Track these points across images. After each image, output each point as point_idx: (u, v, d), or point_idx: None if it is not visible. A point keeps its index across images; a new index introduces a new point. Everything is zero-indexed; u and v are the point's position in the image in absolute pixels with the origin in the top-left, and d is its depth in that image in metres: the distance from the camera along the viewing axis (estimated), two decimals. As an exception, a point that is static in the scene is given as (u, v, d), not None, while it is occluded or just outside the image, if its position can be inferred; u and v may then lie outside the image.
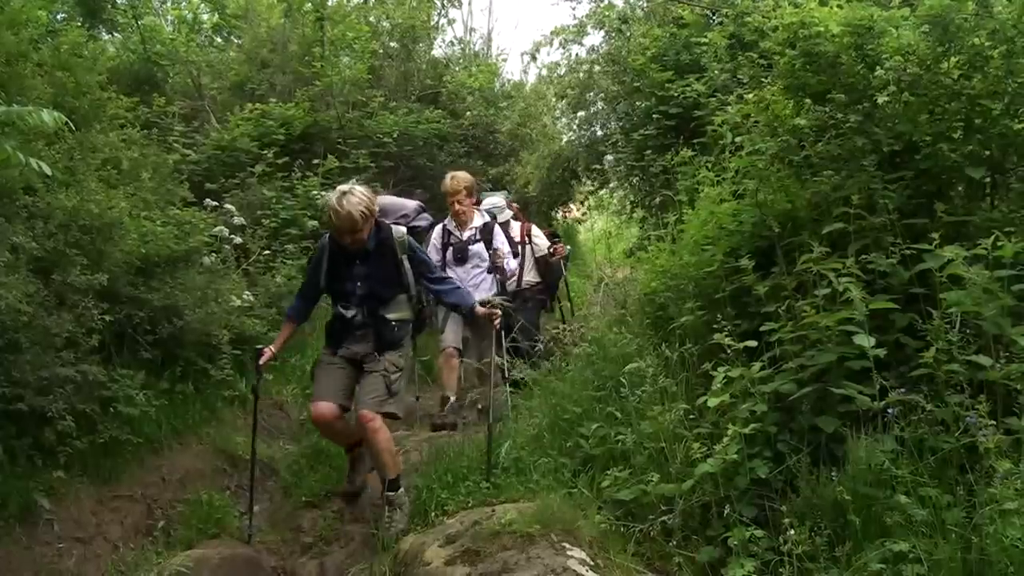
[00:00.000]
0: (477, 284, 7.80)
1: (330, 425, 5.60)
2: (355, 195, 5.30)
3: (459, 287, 6.06)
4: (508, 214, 8.65)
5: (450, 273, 7.56)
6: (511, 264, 8.13)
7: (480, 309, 5.80)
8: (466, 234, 7.91)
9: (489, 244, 7.93)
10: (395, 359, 5.56)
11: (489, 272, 7.89)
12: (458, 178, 7.92)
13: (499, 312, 5.87)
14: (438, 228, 7.87)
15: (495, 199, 8.77)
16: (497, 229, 8.08)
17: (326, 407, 5.50)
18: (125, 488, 5.92)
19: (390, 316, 5.61)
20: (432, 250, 7.70)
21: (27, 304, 5.28)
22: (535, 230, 8.83)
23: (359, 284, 5.56)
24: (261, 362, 5.67)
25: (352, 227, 5.30)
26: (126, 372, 6.10)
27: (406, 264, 5.63)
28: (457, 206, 7.82)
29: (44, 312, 5.50)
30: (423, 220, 7.37)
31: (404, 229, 5.77)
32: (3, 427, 5.23)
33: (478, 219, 8.00)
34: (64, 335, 5.55)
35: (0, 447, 5.14)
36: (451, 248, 7.86)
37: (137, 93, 10.31)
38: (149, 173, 7.76)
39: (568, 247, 9.30)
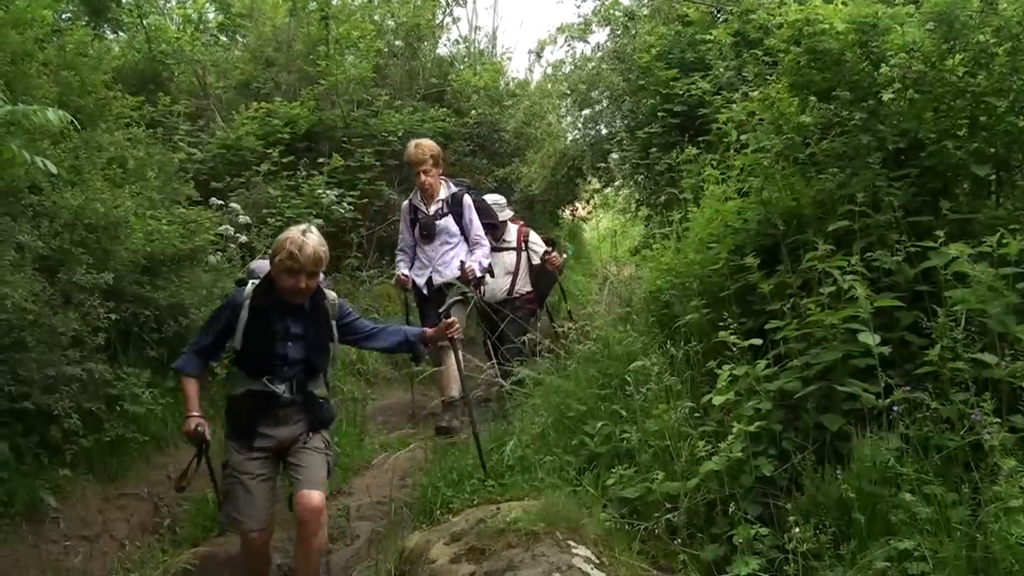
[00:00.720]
0: (447, 262, 7.29)
1: (263, 554, 4.63)
2: (316, 234, 4.45)
3: (394, 328, 5.15)
4: (508, 213, 8.45)
5: (419, 253, 7.36)
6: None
7: (431, 331, 5.13)
8: (432, 208, 7.26)
9: (459, 218, 7.31)
10: (327, 437, 4.73)
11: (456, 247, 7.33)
12: (423, 146, 7.21)
13: (456, 324, 5.22)
14: (405, 204, 7.44)
15: (497, 196, 8.51)
16: (468, 203, 7.36)
17: (260, 537, 4.49)
18: (131, 486, 5.96)
19: (318, 393, 4.64)
20: (404, 230, 7.42)
21: (33, 303, 5.32)
22: (533, 235, 8.59)
23: (290, 346, 4.49)
24: (207, 437, 4.55)
25: (315, 269, 4.39)
26: (132, 370, 6.14)
27: (334, 330, 4.72)
28: (423, 177, 7.16)
29: (50, 311, 5.53)
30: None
31: (333, 293, 4.86)
32: (9, 425, 5.26)
33: (444, 191, 7.31)
34: (70, 333, 5.59)
35: (6, 445, 5.17)
36: (417, 224, 7.27)
37: (142, 92, 10.35)
38: (154, 172, 7.79)
39: (565, 254, 9.42)
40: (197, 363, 4.61)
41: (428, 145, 7.22)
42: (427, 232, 7.28)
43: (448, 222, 7.28)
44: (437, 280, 7.26)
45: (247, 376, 4.49)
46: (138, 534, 5.66)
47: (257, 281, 4.53)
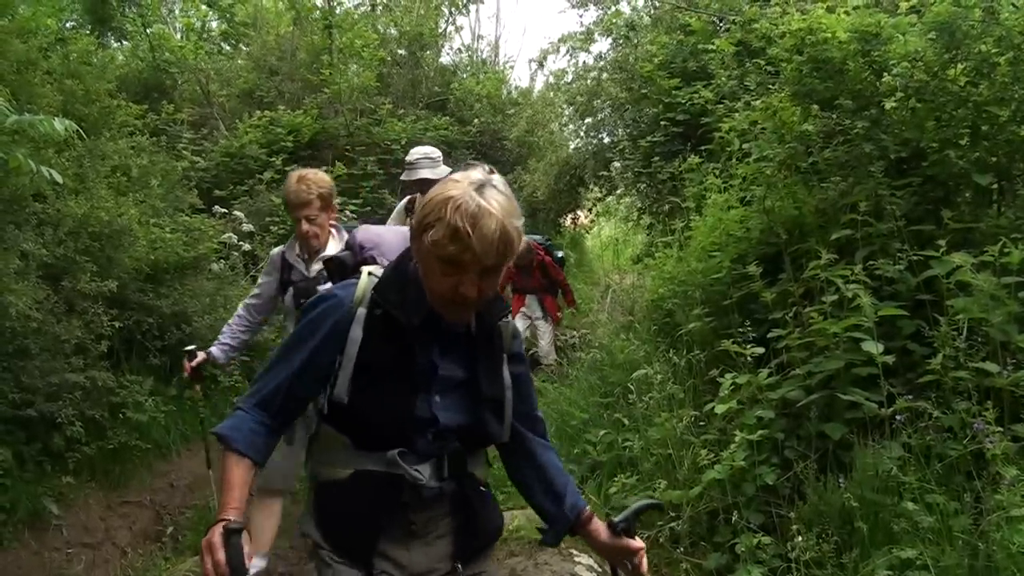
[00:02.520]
0: None
1: None
2: (502, 192, 2.09)
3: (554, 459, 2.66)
4: None
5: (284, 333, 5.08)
6: None
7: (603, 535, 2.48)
8: (314, 268, 4.65)
9: None
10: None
11: None
12: (308, 180, 4.52)
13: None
14: (275, 254, 4.82)
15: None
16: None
17: None
18: (134, 494, 5.96)
19: (479, 476, 2.46)
20: (264, 286, 4.79)
21: (37, 311, 5.33)
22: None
23: (440, 402, 2.28)
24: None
25: (498, 262, 2.09)
26: (135, 378, 6.15)
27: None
28: (306, 225, 4.54)
29: (53, 318, 5.55)
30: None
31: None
32: (13, 433, 5.27)
33: (333, 246, 4.60)
34: (73, 341, 5.60)
35: (10, 452, 5.17)
36: (292, 289, 4.66)
37: (146, 100, 10.40)
38: (158, 180, 7.82)
39: (560, 254, 9.47)
40: (258, 433, 2.24)
41: (316, 180, 4.54)
42: (304, 301, 4.18)
43: None
44: None
45: (355, 447, 2.27)
46: (140, 542, 5.66)
47: (377, 274, 2.30)
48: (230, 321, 4.85)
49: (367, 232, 2.62)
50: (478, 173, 2.05)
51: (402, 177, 5.89)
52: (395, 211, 6.14)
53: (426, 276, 2.12)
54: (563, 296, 9.05)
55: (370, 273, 2.29)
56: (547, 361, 8.61)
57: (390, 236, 2.56)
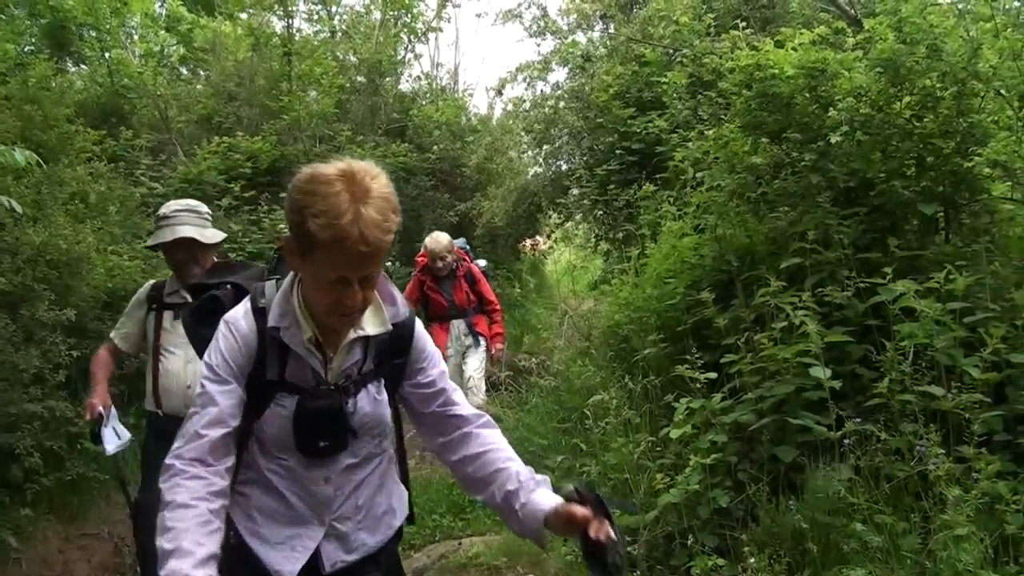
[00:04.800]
0: None
1: None
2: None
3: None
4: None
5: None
6: None
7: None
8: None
9: None
10: None
11: None
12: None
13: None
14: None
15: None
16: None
17: None
18: (92, 526, 5.90)
19: None
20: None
21: (-6, 340, 5.29)
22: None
23: None
24: None
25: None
26: (93, 407, 6.08)
27: None
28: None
29: (11, 348, 5.51)
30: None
31: None
32: (-31, 464, 5.22)
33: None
34: (31, 371, 5.56)
35: (-34, 485, 5.12)
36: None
37: (104, 126, 10.35)
38: (116, 207, 7.79)
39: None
40: None
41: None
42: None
43: None
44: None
45: None
46: (99, 574, 5.61)
47: None
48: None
49: None
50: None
51: (151, 240, 4.35)
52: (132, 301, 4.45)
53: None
54: (488, 317, 7.40)
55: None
56: (476, 401, 6.78)
57: None
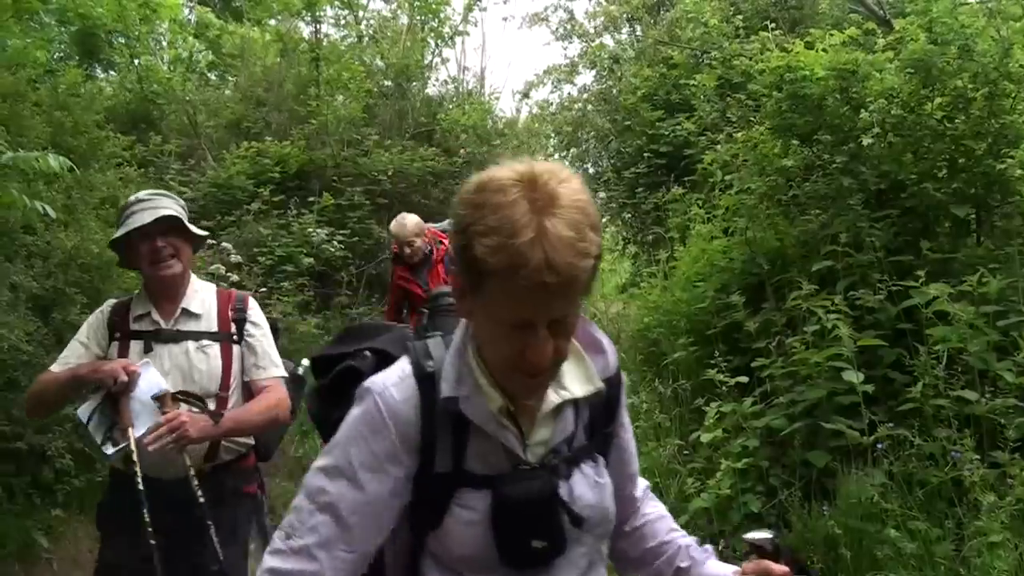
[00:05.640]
0: None
1: None
2: None
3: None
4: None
5: None
6: None
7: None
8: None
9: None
10: None
11: None
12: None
13: None
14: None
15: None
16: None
17: None
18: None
19: None
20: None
21: (27, 343, 5.33)
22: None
23: None
24: None
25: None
26: (124, 409, 6.13)
27: None
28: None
29: (43, 351, 5.54)
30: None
31: None
32: (2, 465, 5.26)
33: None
34: (63, 374, 5.58)
35: (-1, 485, 5.17)
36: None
37: (134, 132, 10.42)
38: (147, 212, 7.82)
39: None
40: None
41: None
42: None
43: None
44: None
45: None
46: (129, 574, 5.65)
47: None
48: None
49: None
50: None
51: (118, 231, 3.11)
52: None
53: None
54: None
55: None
56: None
57: None
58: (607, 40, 12.86)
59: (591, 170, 12.19)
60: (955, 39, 4.96)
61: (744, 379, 4.63)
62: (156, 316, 3.10)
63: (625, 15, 12.43)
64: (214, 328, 3.16)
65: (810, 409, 4.33)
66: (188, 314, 3.13)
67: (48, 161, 3.84)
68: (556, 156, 13.77)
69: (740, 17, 8.72)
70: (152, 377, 2.95)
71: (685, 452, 4.76)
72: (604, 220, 12.05)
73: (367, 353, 1.79)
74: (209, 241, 8.60)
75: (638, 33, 12.61)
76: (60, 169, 3.98)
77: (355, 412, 1.53)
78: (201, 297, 3.20)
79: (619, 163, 10.46)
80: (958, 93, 4.92)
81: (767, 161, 5.48)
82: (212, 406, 3.05)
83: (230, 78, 15.61)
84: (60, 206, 6.37)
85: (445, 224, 6.58)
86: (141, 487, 2.83)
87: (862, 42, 5.68)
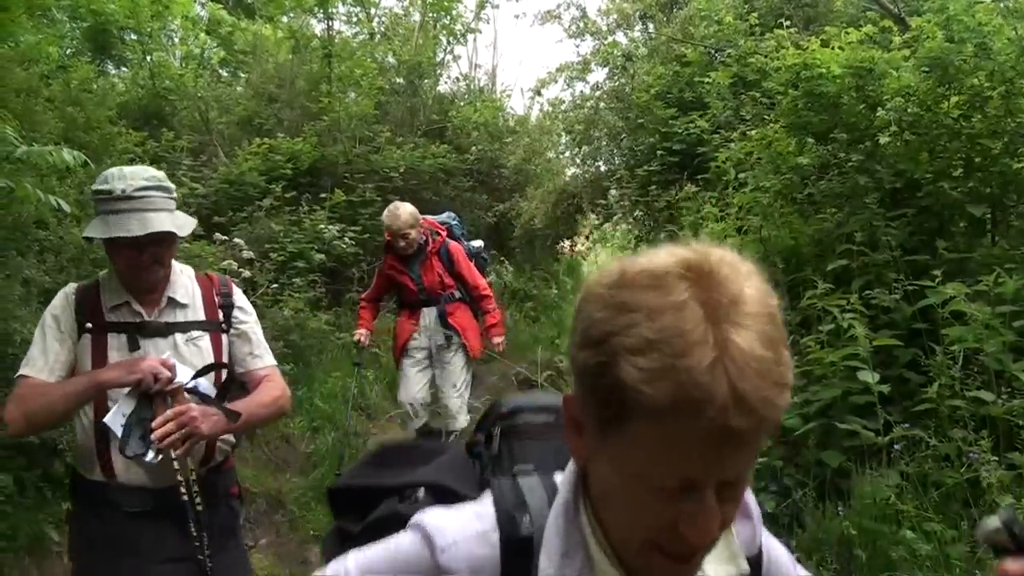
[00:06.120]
0: None
1: None
2: None
3: None
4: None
5: None
6: None
7: None
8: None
9: None
10: None
11: None
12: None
13: None
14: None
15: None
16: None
17: None
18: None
19: None
20: None
21: (40, 337, 5.33)
22: None
23: None
24: None
25: None
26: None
27: None
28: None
29: (56, 345, 5.55)
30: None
31: None
32: (13, 459, 5.26)
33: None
34: (75, 368, 5.59)
35: (11, 479, 5.16)
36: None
37: (146, 127, 10.46)
38: (159, 207, 7.84)
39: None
40: None
41: None
42: None
43: None
44: None
45: None
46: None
47: None
48: None
49: None
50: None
51: (92, 230, 2.67)
52: None
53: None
54: (483, 318, 6.13)
55: None
56: (454, 426, 5.93)
57: None
58: (620, 37, 12.83)
59: (603, 168, 12.17)
60: (971, 37, 4.94)
61: (758, 379, 4.60)
62: (137, 307, 2.73)
63: (638, 12, 12.39)
64: (201, 317, 2.85)
65: (825, 409, 4.31)
66: (174, 304, 2.80)
67: (62, 155, 3.83)
68: (567, 154, 13.77)
69: (755, 15, 8.68)
70: (181, 371, 2.64)
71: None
72: (616, 218, 12.05)
73: (419, 493, 1.30)
74: (221, 237, 8.67)
75: (651, 30, 12.58)
76: (74, 163, 3.97)
77: (401, 548, 1.11)
78: (184, 283, 2.87)
79: (631, 161, 10.41)
80: (975, 92, 4.89)
81: (782, 159, 5.46)
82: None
83: (242, 75, 15.67)
84: (73, 201, 6.38)
85: (445, 217, 6.35)
86: (192, 498, 2.60)
87: (878, 40, 5.65)
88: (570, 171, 13.56)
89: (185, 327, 2.78)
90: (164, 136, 10.77)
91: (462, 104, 15.22)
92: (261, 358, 2.93)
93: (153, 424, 2.50)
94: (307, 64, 13.57)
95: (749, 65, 7.27)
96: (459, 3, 15.07)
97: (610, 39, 12.49)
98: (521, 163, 13.46)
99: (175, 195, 2.76)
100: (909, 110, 4.95)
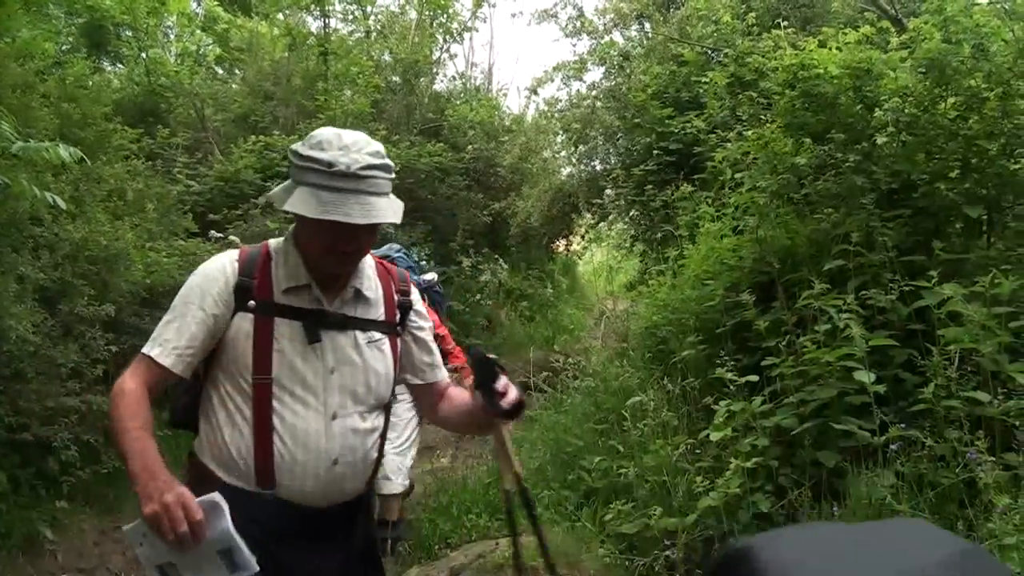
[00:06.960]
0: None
1: None
2: None
3: None
4: None
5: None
6: None
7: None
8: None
9: None
10: None
11: None
12: None
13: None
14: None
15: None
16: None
17: None
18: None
19: None
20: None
21: (34, 334, 5.34)
22: None
23: None
24: None
25: None
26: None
27: None
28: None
29: (50, 342, 5.56)
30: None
31: None
32: (8, 457, 5.27)
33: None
34: (69, 365, 5.61)
35: (5, 477, 5.17)
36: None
37: (141, 124, 10.44)
38: (153, 204, 7.85)
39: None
40: None
41: None
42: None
43: None
44: None
45: None
46: (134, 568, 5.63)
47: None
48: None
49: None
50: None
51: (298, 206, 2.21)
52: None
53: None
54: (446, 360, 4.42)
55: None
56: (387, 489, 4.93)
57: None
58: (617, 37, 12.79)
59: (599, 167, 12.14)
60: (969, 39, 4.94)
61: (754, 378, 4.61)
62: (318, 292, 2.32)
63: (635, 12, 12.36)
64: (382, 316, 2.44)
65: (820, 409, 4.31)
66: (359, 296, 2.40)
67: (58, 151, 3.83)
68: (563, 153, 13.75)
69: (752, 15, 8.68)
70: (221, 524, 2.02)
71: (694, 451, 4.74)
72: (612, 217, 12.05)
73: None
74: (216, 235, 8.66)
75: (648, 30, 12.56)
76: (70, 159, 3.97)
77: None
78: (368, 274, 2.45)
79: (628, 160, 10.39)
80: (972, 93, 4.90)
81: (778, 159, 5.45)
82: (378, 419, 2.42)
83: (238, 72, 15.66)
84: (68, 198, 6.38)
85: (386, 250, 5.48)
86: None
87: (876, 41, 5.65)
88: (566, 170, 13.55)
89: (364, 325, 2.39)
90: (160, 133, 10.77)
91: (458, 103, 15.21)
92: (441, 369, 2.63)
93: None
94: (303, 61, 13.57)
95: (746, 65, 7.27)
96: (456, 1, 15.09)
97: (607, 38, 12.46)
98: (517, 162, 13.44)
99: (394, 173, 2.32)
100: (906, 111, 4.94)
